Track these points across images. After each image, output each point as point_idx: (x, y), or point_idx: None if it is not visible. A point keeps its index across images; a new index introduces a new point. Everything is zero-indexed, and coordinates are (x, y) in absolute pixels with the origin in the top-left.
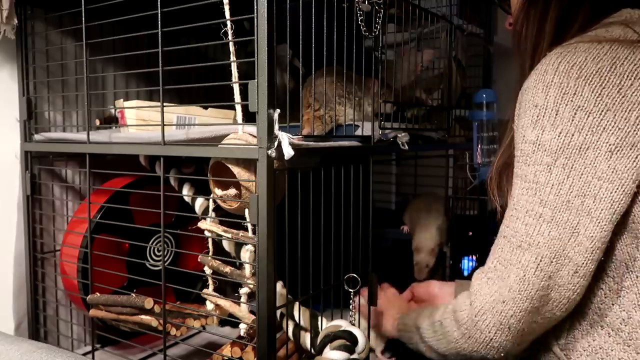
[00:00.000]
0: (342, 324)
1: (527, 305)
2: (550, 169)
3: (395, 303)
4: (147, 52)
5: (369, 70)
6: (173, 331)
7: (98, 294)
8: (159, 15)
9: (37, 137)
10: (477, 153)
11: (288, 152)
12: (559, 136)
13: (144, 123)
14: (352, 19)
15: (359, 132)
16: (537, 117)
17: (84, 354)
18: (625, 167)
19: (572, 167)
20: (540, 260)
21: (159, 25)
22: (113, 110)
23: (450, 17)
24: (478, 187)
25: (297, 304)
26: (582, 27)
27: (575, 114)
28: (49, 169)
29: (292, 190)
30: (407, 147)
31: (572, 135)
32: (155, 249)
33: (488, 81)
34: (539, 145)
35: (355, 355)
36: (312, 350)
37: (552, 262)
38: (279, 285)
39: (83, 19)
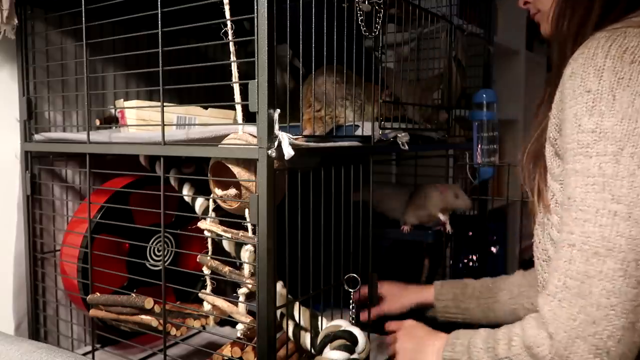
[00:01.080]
0: (342, 324)
1: (623, 321)
2: (617, 159)
3: (420, 331)
4: (147, 52)
5: (369, 70)
6: (173, 331)
7: (98, 294)
8: (159, 15)
9: (37, 137)
10: (477, 153)
11: (288, 152)
12: (621, 122)
13: (144, 123)
14: (352, 19)
15: (359, 132)
16: (593, 102)
17: (84, 354)
18: None
19: None
20: (627, 266)
21: (159, 25)
22: (113, 110)
23: (450, 17)
24: (478, 187)
25: (297, 304)
26: (626, 10)
27: (634, 99)
28: (49, 169)
29: (292, 190)
30: (407, 147)
31: (636, 121)
32: (155, 249)
33: (488, 81)
34: (600, 133)
35: (355, 355)
36: (312, 350)
37: (638, 265)
38: (279, 285)
39: (83, 19)
